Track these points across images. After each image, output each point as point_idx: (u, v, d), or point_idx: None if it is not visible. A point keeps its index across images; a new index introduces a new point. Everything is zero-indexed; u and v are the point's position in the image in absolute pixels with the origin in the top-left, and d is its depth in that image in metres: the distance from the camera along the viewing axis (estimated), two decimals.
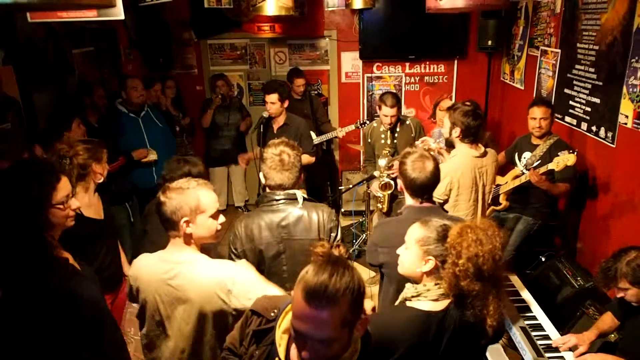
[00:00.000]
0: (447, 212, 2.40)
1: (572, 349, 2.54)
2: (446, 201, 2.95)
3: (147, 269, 1.89)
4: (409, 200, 2.30)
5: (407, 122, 4.12)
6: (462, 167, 2.92)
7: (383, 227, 2.45)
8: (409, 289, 1.78)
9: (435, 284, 1.71)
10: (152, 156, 4.00)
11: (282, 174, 2.18)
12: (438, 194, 2.91)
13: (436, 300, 1.70)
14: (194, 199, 1.83)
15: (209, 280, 1.81)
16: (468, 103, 3.07)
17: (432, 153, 3.37)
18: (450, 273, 1.64)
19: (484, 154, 3.00)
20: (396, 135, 4.06)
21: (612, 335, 2.61)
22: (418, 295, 1.73)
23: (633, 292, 2.17)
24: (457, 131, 2.96)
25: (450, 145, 3.18)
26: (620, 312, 2.45)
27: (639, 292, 2.16)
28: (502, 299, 1.66)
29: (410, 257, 1.79)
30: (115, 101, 4.05)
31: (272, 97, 3.94)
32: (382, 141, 4.04)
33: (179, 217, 1.81)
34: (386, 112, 3.93)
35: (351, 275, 1.20)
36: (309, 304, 1.16)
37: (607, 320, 2.56)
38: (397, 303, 1.84)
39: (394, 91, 4.04)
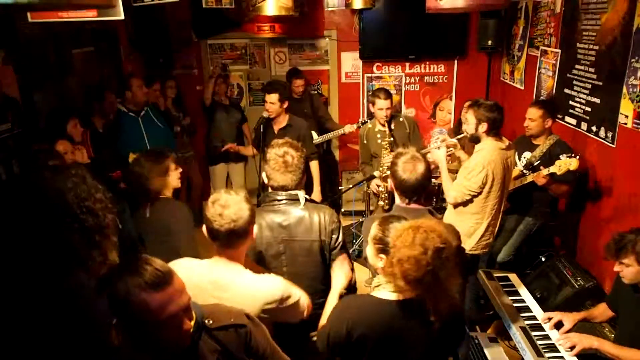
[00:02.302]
0: (435, 215, 2.39)
1: (557, 327, 2.63)
2: (477, 194, 3.02)
3: (189, 272, 1.78)
4: (397, 200, 2.34)
5: (401, 119, 4.11)
6: (494, 159, 3.00)
7: (369, 224, 2.48)
8: (374, 280, 1.88)
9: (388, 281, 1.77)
10: None
11: (285, 175, 2.17)
12: (474, 188, 3.00)
13: (396, 291, 1.75)
14: (250, 210, 1.79)
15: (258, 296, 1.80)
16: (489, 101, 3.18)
17: (452, 149, 3.46)
18: (386, 273, 1.72)
19: (510, 146, 3.12)
20: (392, 132, 4.02)
21: (608, 331, 2.67)
22: (379, 286, 1.82)
23: (633, 271, 2.19)
24: (484, 126, 3.05)
25: (473, 141, 3.24)
26: (616, 301, 2.50)
27: (638, 272, 2.18)
28: (440, 301, 1.66)
29: (370, 253, 1.92)
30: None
31: (272, 97, 3.89)
32: (379, 141, 4.02)
33: (251, 229, 1.80)
34: (381, 105, 3.90)
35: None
36: (161, 289, 1.26)
37: (600, 308, 2.64)
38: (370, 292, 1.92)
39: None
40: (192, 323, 1.39)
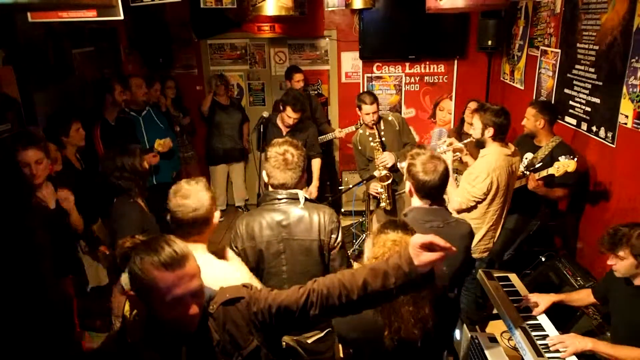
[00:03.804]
0: (451, 213, 2.39)
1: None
2: (481, 200, 3.02)
3: None
4: (416, 202, 2.28)
5: (390, 118, 4.12)
6: (499, 166, 3.00)
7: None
8: None
9: None
10: (168, 144, 4.11)
11: (285, 173, 2.18)
12: (479, 194, 2.99)
13: None
14: (210, 198, 1.94)
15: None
16: (495, 105, 3.18)
17: (458, 154, 3.46)
18: None
19: (515, 152, 3.11)
20: (382, 133, 4.05)
21: (595, 321, 2.69)
22: None
23: (627, 264, 2.19)
24: (490, 131, 3.04)
25: (479, 146, 3.23)
26: (603, 292, 2.50)
27: (632, 265, 2.18)
28: (393, 321, 1.68)
29: (366, 246, 1.95)
30: None
31: (297, 115, 3.96)
32: (372, 144, 4.03)
33: (211, 217, 1.94)
34: (367, 110, 3.91)
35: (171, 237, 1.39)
36: (174, 268, 1.29)
37: (582, 293, 2.65)
38: None
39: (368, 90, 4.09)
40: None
